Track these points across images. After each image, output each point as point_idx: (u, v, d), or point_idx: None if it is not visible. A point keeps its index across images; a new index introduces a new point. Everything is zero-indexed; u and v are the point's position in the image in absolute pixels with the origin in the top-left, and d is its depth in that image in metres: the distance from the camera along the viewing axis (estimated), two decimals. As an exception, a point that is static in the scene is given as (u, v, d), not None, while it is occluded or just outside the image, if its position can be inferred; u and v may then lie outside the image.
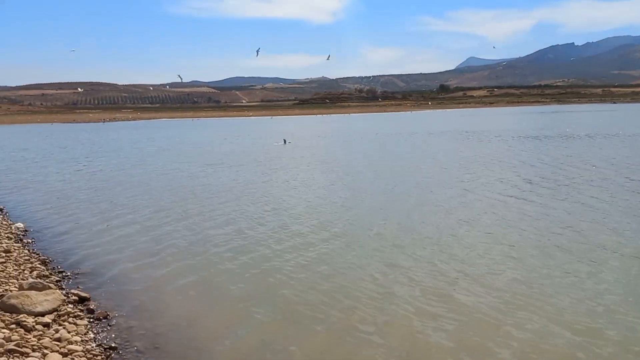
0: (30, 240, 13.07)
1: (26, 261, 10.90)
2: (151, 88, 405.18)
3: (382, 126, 75.30)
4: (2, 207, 17.58)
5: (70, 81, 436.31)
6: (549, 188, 18.38)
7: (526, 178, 20.70)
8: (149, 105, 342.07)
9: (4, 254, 11.12)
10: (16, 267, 10.32)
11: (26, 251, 11.83)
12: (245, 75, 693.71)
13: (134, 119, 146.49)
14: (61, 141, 55.37)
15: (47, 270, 10.50)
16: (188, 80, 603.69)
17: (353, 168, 26.03)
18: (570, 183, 19.41)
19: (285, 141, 42.90)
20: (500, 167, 24.61)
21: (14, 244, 12.28)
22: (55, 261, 11.26)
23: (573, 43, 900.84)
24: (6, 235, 13.21)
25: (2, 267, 10.18)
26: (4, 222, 14.92)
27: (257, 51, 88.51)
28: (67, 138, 61.98)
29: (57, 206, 17.78)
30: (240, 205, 16.94)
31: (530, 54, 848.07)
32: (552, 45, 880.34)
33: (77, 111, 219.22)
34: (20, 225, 14.66)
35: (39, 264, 10.82)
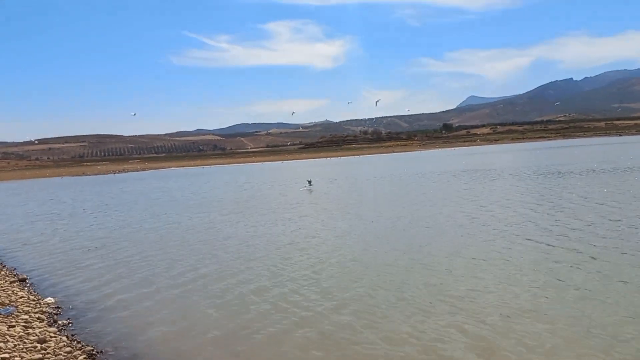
0: (66, 322, 10.81)
1: (68, 355, 8.66)
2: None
3: (396, 167, 73.32)
4: (25, 276, 15.36)
5: (76, 134, 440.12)
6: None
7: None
8: (155, 155, 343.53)
9: (39, 346, 8.91)
10: (59, 367, 8.10)
11: (65, 339, 9.58)
12: (250, 122, 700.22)
13: (143, 169, 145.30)
14: (81, 194, 53.53)
15: (97, 368, 8.28)
16: (193, 129, 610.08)
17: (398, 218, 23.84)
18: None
19: (309, 183, 40.98)
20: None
21: (48, 329, 10.07)
22: (104, 352, 9.01)
23: (572, 78, 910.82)
24: (37, 316, 10.99)
25: (41, 368, 7.97)
26: (32, 297, 12.73)
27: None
28: (84, 191, 60.18)
29: (87, 272, 15.60)
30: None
31: (530, 91, 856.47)
32: (551, 82, 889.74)
33: (85, 164, 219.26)
34: (50, 300, 12.48)
35: (85, 358, 8.56)
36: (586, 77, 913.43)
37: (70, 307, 12.04)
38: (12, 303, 12.01)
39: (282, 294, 11.96)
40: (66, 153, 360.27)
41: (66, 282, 14.62)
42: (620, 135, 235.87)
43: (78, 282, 14.59)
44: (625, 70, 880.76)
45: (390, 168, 72.83)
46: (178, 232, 22.49)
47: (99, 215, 31.50)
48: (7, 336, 9.29)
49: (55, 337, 9.59)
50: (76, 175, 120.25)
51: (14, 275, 15.74)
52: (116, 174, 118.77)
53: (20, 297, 12.57)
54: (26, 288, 14.00)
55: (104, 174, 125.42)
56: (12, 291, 13.24)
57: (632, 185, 29.06)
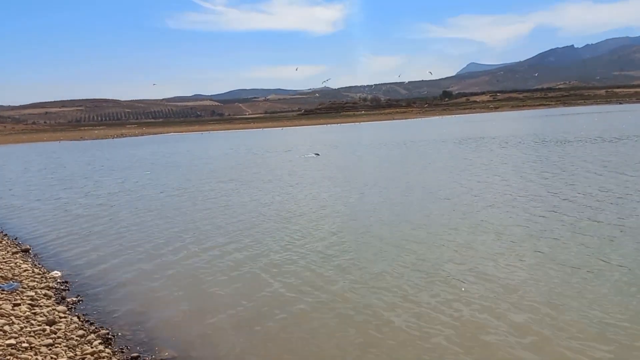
0: (75, 299, 9.96)
1: (81, 339, 7.83)
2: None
3: (398, 134, 72.11)
4: (28, 246, 14.48)
5: (72, 99, 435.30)
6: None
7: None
8: (153, 120, 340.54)
9: (48, 329, 8.07)
10: (71, 355, 7.25)
11: (76, 320, 8.73)
12: (248, 87, 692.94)
13: (142, 134, 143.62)
14: (90, 158, 52.44)
15: (115, 354, 7.45)
16: (191, 94, 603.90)
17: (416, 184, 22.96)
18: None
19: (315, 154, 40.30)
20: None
21: (57, 308, 9.23)
22: (120, 336, 8.19)
23: (572, 45, 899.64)
24: (43, 293, 10.10)
25: (51, 357, 7.12)
26: (37, 270, 11.84)
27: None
28: (87, 154, 59.07)
29: (94, 241, 14.76)
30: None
31: (530, 58, 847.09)
32: (552, 49, 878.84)
33: (82, 128, 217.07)
34: (57, 274, 11.61)
35: (100, 343, 7.73)
36: (587, 44, 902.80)
37: (78, 281, 11.15)
38: (15, 277, 11.14)
39: (300, 267, 11.13)
40: (63, 117, 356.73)
41: (71, 253, 13.72)
42: (620, 103, 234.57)
43: (84, 252, 13.67)
44: (627, 37, 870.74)
45: (392, 135, 71.65)
46: (187, 200, 21.60)
47: (104, 180, 30.54)
48: (12, 317, 8.45)
49: (65, 317, 8.75)
50: (74, 140, 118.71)
51: (16, 245, 14.86)
52: (114, 139, 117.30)
53: (25, 271, 11.68)
54: (30, 260, 13.08)
55: (102, 138, 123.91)
56: (15, 263, 12.36)
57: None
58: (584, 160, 27.18)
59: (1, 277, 10.98)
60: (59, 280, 11.16)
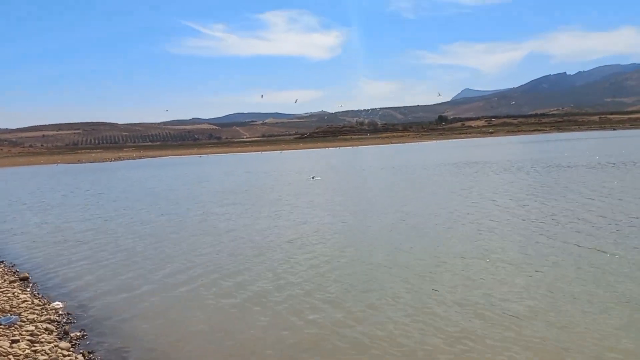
0: (79, 334, 9.12)
1: (88, 383, 7.02)
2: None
3: (399, 158, 71.62)
4: (27, 274, 13.60)
5: (70, 122, 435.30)
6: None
7: None
8: (150, 144, 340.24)
9: (51, 371, 7.26)
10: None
11: (81, 358, 7.92)
12: (245, 111, 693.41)
13: (139, 157, 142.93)
14: (86, 183, 51.57)
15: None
16: (188, 118, 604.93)
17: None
18: None
19: (313, 177, 39.95)
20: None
21: (60, 345, 8.40)
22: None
23: (565, 72, 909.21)
24: (44, 327, 9.27)
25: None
26: (37, 301, 11.00)
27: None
28: (90, 180, 58.21)
29: (95, 269, 13.95)
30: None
31: (524, 84, 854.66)
32: (545, 75, 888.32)
33: (79, 151, 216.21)
34: (58, 305, 10.78)
35: (110, 388, 6.91)
36: (579, 72, 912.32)
37: (82, 313, 10.34)
38: (13, 309, 10.32)
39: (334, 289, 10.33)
40: (60, 140, 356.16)
41: (73, 282, 12.90)
42: (614, 129, 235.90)
43: (87, 281, 12.88)
44: (618, 65, 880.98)
45: (393, 159, 71.17)
46: (190, 224, 20.82)
47: (106, 205, 29.71)
48: (10, 356, 7.65)
49: (69, 355, 7.95)
50: (71, 163, 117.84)
51: (14, 273, 14.05)
52: (112, 162, 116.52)
53: (23, 301, 10.86)
54: (29, 289, 12.28)
55: (100, 161, 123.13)
56: (13, 293, 11.54)
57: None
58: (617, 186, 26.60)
59: (-2, 309, 10.16)
60: (61, 313, 10.36)
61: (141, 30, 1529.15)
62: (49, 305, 10.79)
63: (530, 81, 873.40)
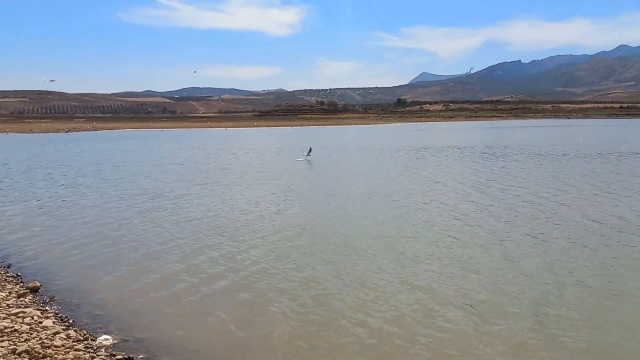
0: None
1: None
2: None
3: (367, 140, 70.87)
4: (37, 284, 10.16)
5: (16, 89, 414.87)
6: None
7: None
8: (101, 115, 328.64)
9: None
10: None
11: None
12: (201, 86, 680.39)
13: (94, 129, 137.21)
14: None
15: None
16: (141, 90, 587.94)
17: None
18: None
19: (308, 153, 38.18)
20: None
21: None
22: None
23: (520, 60, 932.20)
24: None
25: None
26: (72, 334, 7.75)
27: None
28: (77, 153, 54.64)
29: (127, 264, 12.32)
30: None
31: (480, 71, 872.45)
32: (500, 63, 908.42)
33: (26, 120, 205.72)
34: (107, 339, 7.67)
35: None
36: (533, 60, 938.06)
37: (134, 347, 7.49)
38: (46, 351, 6.99)
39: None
40: (4, 108, 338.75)
41: (105, 292, 9.84)
42: (568, 117, 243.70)
43: (124, 290, 10.05)
44: (571, 55, 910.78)
45: (363, 140, 70.42)
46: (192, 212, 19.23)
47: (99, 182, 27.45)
48: None
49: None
50: (22, 132, 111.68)
51: (15, 278, 10.75)
52: (68, 133, 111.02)
53: (51, 334, 7.63)
54: (48, 308, 8.98)
55: (53, 132, 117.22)
56: (33, 318, 8.21)
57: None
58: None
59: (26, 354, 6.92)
60: (113, 353, 7.27)
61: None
62: (93, 340, 7.66)
63: (487, 67, 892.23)
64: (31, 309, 8.65)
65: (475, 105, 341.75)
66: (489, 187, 22.45)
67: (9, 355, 6.81)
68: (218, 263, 11.57)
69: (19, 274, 11.02)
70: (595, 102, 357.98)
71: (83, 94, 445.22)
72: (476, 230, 14.12)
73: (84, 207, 18.74)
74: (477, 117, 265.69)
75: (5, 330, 7.63)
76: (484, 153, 42.31)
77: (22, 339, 7.35)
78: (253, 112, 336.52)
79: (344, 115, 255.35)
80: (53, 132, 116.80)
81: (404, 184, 23.75)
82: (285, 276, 10.53)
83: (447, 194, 20.75)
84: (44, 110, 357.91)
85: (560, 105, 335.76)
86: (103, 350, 7.32)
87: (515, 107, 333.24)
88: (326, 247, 12.71)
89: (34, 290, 9.96)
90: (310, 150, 38.26)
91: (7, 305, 8.86)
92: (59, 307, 9.11)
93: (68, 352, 7.11)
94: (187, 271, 11.01)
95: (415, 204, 18.36)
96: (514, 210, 16.86)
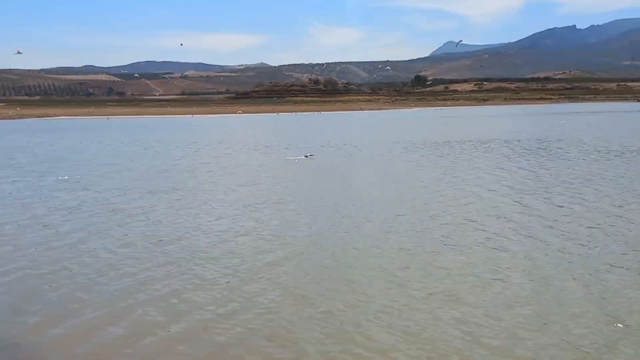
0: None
1: None
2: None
3: (381, 131, 70.56)
4: None
5: None
6: None
7: None
8: (27, 98, 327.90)
9: None
10: None
11: None
12: (158, 60, 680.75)
13: (20, 117, 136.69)
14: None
15: None
16: (80, 65, 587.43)
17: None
18: None
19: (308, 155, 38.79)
20: None
21: None
22: None
23: (574, 26, 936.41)
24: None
25: None
26: None
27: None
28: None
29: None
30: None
31: (522, 39, 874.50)
32: (549, 29, 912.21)
33: None
34: None
35: None
36: (592, 25, 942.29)
37: None
38: None
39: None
40: None
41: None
42: (638, 100, 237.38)
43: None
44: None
45: (376, 131, 70.28)
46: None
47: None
48: None
49: None
50: None
51: None
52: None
53: None
54: None
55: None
56: None
57: None
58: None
59: None
60: None
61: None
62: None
63: (531, 35, 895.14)
64: None
65: (517, 85, 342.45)
66: (562, 198, 22.20)
67: None
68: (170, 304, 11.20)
69: None
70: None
71: (2, 70, 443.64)
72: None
73: None
74: (519, 99, 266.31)
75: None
76: (539, 149, 42.19)
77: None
78: (227, 93, 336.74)
79: (346, 98, 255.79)
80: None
81: (451, 200, 23.52)
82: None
83: (515, 215, 20.48)
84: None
85: (628, 84, 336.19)
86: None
87: (569, 86, 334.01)
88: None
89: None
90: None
91: None
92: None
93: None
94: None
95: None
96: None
